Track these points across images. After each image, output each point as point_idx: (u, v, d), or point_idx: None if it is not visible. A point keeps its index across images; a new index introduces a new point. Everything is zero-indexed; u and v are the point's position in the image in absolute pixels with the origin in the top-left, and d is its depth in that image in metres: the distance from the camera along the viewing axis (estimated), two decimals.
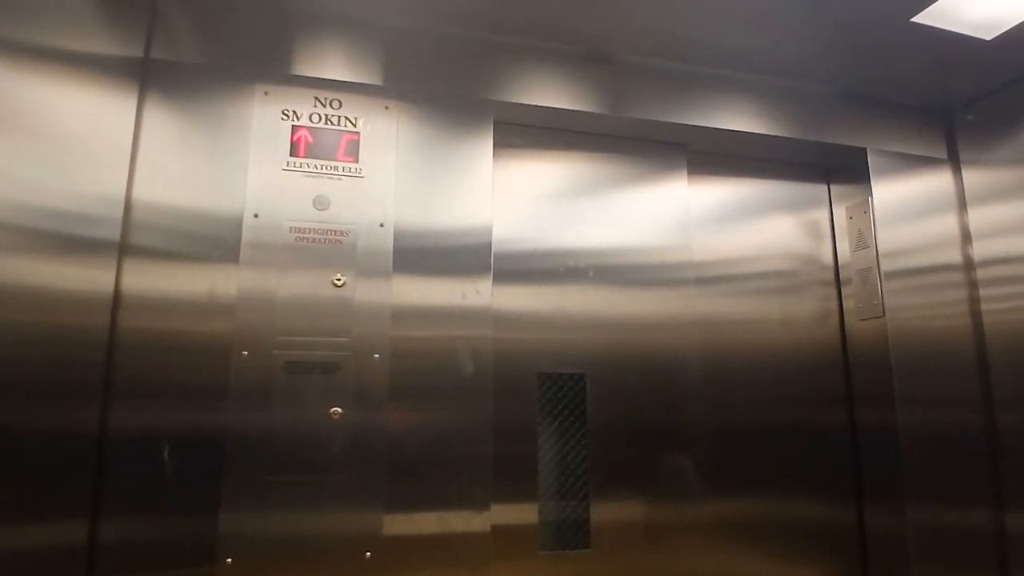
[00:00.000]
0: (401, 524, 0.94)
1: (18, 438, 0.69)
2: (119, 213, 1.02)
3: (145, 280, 1.02)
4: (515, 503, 1.07)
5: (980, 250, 1.47)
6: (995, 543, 1.21)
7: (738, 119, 1.47)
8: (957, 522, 1.22)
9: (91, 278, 0.95)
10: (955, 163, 1.57)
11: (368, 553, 0.90)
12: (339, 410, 1.01)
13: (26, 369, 0.74)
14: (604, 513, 1.10)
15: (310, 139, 1.17)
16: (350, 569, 0.94)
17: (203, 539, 0.86)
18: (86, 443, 0.82)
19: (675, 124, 1.39)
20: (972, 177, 1.52)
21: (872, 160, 1.52)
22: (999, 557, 1.21)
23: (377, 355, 1.08)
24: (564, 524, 1.07)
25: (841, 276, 1.56)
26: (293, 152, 1.15)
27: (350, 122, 1.20)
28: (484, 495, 0.97)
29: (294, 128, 1.15)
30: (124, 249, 1.01)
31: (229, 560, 0.85)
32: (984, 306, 1.41)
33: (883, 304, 1.39)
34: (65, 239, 0.90)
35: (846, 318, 1.50)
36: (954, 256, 1.50)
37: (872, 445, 1.29)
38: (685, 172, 1.48)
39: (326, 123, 1.18)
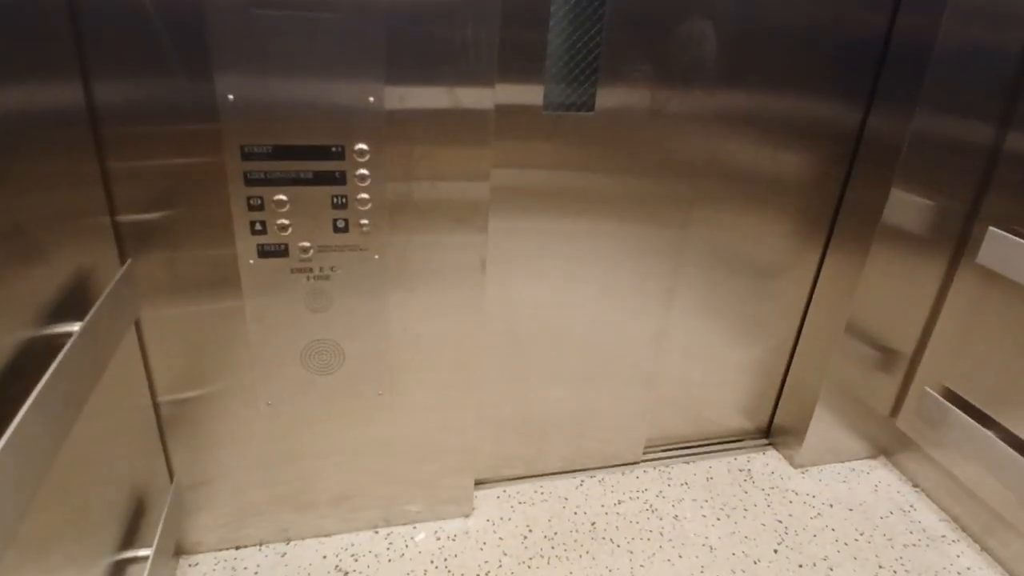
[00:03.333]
0: (403, 98, 0.95)
1: None
2: None
3: None
4: (521, 84, 1.07)
5: None
6: (986, 160, 1.25)
7: None
8: (956, 135, 1.23)
9: None
10: None
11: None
12: None
13: None
14: (611, 97, 1.11)
15: None
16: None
17: (202, 92, 0.87)
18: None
19: None
20: None
21: None
22: (984, 174, 1.26)
23: None
24: (570, 104, 1.09)
25: None
26: None
27: None
28: (489, 72, 0.96)
29: None
30: None
31: (230, 96, 0.88)
32: None
33: None
34: None
35: None
36: None
37: (903, 53, 1.22)
38: None
39: None
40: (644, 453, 1.56)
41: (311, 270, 1.02)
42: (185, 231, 0.95)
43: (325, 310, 1.06)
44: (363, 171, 0.98)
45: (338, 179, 0.97)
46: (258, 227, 0.97)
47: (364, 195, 0.99)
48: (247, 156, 0.92)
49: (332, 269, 1.03)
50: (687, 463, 1.56)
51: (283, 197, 0.96)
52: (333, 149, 0.95)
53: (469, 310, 1.14)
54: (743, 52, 1.17)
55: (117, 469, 0.89)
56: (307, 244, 1.00)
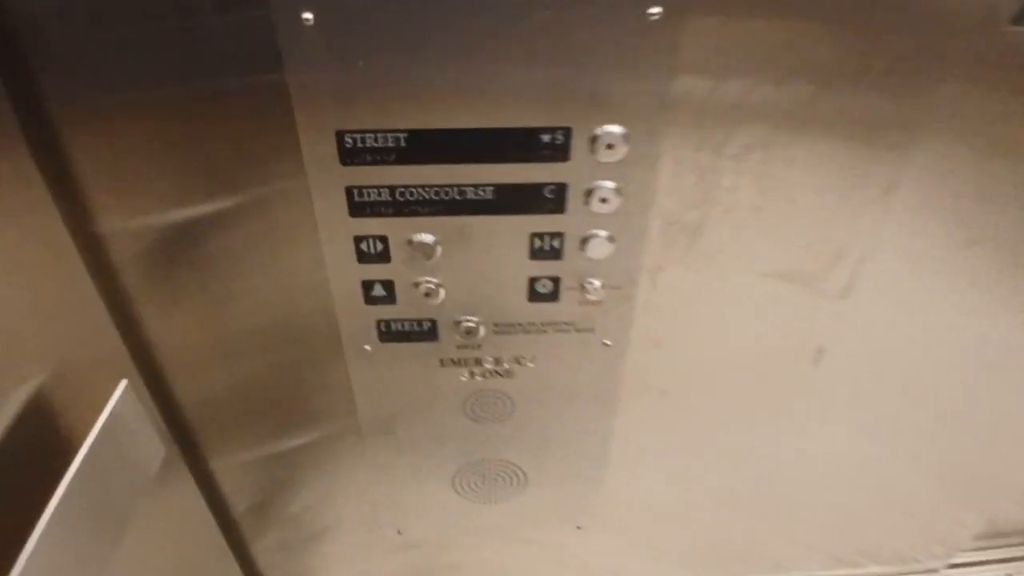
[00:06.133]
0: None
1: None
2: None
3: None
4: None
5: None
6: None
7: None
8: None
9: None
10: None
11: None
12: None
13: None
14: None
15: None
16: None
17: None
18: None
19: None
20: None
21: None
22: None
23: None
24: None
25: None
26: None
27: None
28: None
29: None
30: None
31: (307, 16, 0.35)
32: None
33: None
34: None
35: None
36: None
37: None
38: None
39: None
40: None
41: (479, 362, 0.52)
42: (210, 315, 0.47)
43: (500, 421, 0.57)
44: (606, 184, 0.42)
45: (549, 201, 0.43)
46: (379, 291, 0.47)
47: (601, 232, 0.44)
48: (351, 154, 0.40)
49: (518, 361, 0.52)
50: None
51: (429, 237, 0.44)
52: (545, 137, 0.40)
53: (775, 418, 0.59)
54: None
55: None
56: (474, 320, 0.49)
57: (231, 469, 0.60)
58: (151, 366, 0.49)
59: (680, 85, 0.38)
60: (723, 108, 0.40)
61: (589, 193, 0.42)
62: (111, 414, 0.42)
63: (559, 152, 0.40)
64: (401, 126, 0.39)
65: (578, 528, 0.68)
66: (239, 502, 0.63)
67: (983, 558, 1.00)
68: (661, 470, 0.64)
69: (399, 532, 0.67)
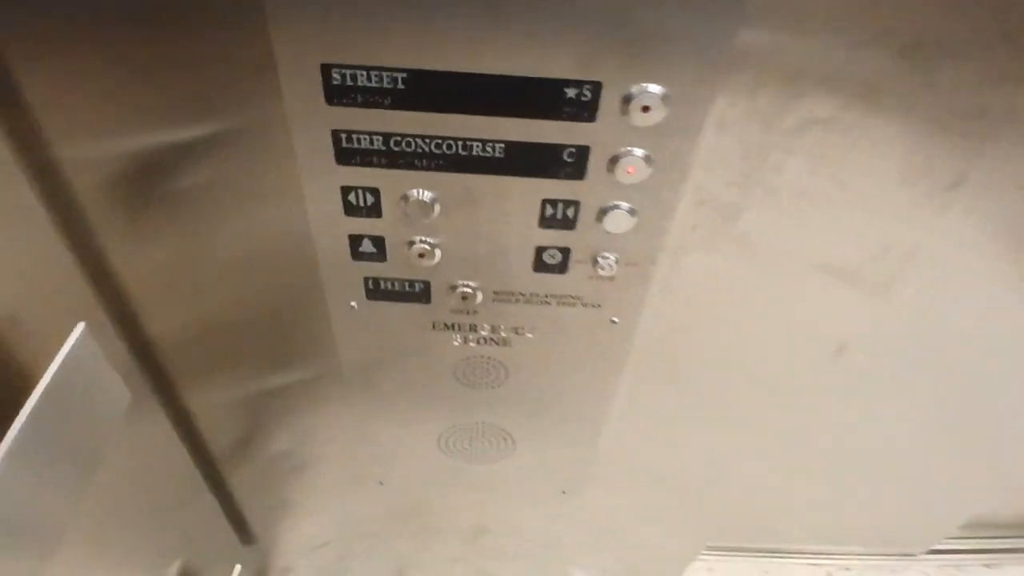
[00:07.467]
0: None
1: None
2: None
3: None
4: None
5: None
6: None
7: None
8: None
9: None
10: None
11: None
12: None
13: None
14: None
15: None
16: None
17: None
18: None
19: None
20: None
21: None
22: None
23: None
24: None
25: None
26: None
27: None
28: None
29: None
30: None
31: None
32: None
33: None
34: None
35: None
36: None
37: None
38: None
39: None
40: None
41: (473, 328, 0.48)
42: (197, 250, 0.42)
43: (492, 387, 0.53)
44: (636, 151, 0.36)
45: (568, 165, 0.37)
46: (368, 247, 0.42)
47: (623, 204, 0.39)
48: (339, 93, 0.34)
49: (516, 331, 0.48)
50: (989, 567, 0.99)
51: (428, 194, 0.38)
52: (570, 92, 0.33)
53: (784, 405, 0.56)
54: None
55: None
56: (472, 285, 0.44)
57: (208, 408, 0.58)
58: (118, 305, 0.45)
59: (739, 42, 0.32)
60: (786, 74, 0.33)
61: (615, 160, 0.36)
62: (68, 357, 0.39)
63: (585, 110, 0.34)
64: (400, 64, 0.32)
65: (563, 493, 0.66)
66: (216, 440, 0.61)
67: (963, 547, 1.00)
68: (654, 445, 0.61)
69: (381, 483, 0.65)
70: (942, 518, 0.94)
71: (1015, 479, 0.90)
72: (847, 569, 0.97)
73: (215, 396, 0.56)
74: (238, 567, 0.73)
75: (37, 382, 0.37)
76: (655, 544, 0.79)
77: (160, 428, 0.54)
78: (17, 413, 0.36)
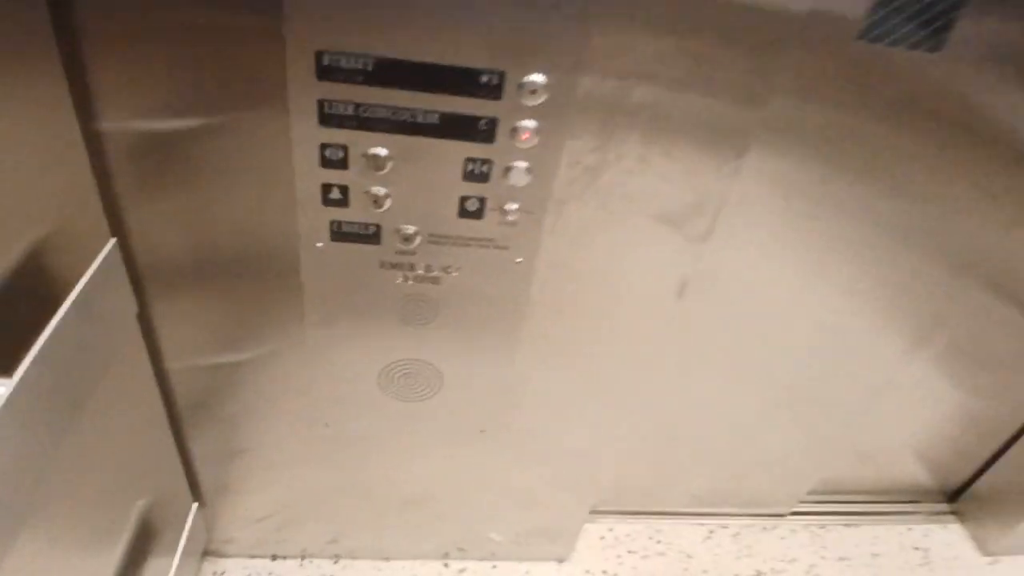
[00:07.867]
0: None
1: None
2: None
3: None
4: None
5: None
6: None
7: None
8: None
9: None
10: None
11: None
12: None
13: None
14: None
15: None
16: None
17: None
18: None
19: None
20: None
21: None
22: None
23: None
24: None
25: None
26: None
27: None
28: None
29: None
30: None
31: None
32: None
33: None
34: None
35: None
36: None
37: None
38: None
39: None
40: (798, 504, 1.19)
41: (412, 267, 0.62)
42: (206, 188, 0.55)
43: (424, 324, 0.67)
44: (528, 123, 0.53)
45: (482, 132, 0.53)
46: (335, 194, 0.56)
47: (521, 163, 0.56)
48: (326, 72, 0.49)
49: (445, 270, 0.63)
50: (848, 526, 1.19)
51: (383, 151, 0.54)
52: (483, 78, 0.51)
53: (648, 348, 0.73)
54: None
55: (133, 479, 0.59)
56: (412, 229, 0.59)
57: (184, 369, 0.68)
58: (126, 244, 0.57)
59: (592, 47, 0.50)
60: (624, 71, 0.52)
61: (515, 129, 0.53)
62: (102, 262, 0.49)
63: (494, 92, 0.51)
64: (370, 51, 0.48)
65: (481, 432, 0.79)
66: (184, 397, 0.70)
67: (826, 509, 1.20)
68: (557, 385, 0.76)
69: (327, 425, 0.76)
70: (798, 481, 1.14)
71: (862, 445, 1.12)
72: (725, 527, 1.14)
73: (194, 358, 0.66)
74: (190, 518, 0.80)
75: (64, 287, 0.48)
76: (553, 505, 0.92)
77: (145, 380, 0.64)
78: (57, 309, 0.46)
